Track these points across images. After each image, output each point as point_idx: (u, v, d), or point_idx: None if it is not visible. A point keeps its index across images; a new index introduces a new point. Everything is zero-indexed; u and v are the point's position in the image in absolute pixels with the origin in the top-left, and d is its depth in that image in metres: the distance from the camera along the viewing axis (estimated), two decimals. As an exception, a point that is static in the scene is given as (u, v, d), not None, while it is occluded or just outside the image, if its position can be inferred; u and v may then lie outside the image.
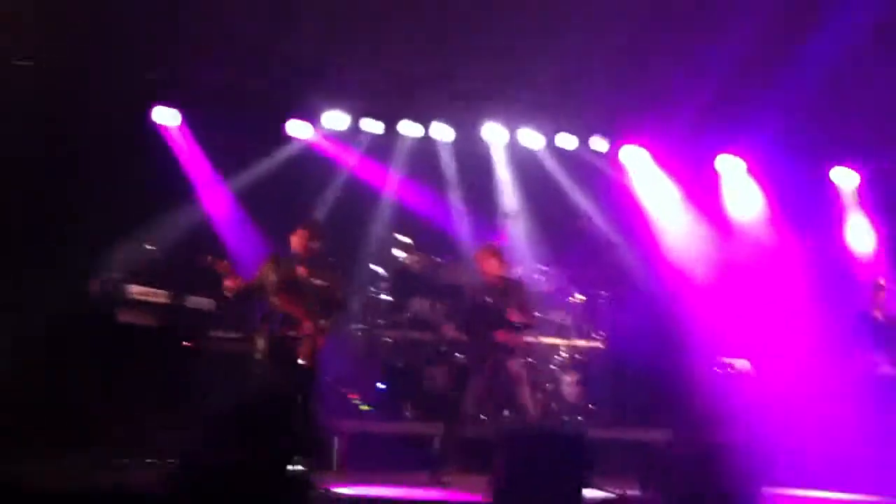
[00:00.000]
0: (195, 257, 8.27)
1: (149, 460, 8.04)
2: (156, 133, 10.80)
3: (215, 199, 11.03)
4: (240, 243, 10.64)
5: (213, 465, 6.32)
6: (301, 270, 8.39)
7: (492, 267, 9.01)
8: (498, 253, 9.13)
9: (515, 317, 8.77)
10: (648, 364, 10.64)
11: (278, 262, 8.43)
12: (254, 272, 8.44)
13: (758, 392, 9.98)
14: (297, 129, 11.32)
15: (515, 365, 8.81)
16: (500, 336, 8.74)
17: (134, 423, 8.46)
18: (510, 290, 9.03)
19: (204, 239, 10.32)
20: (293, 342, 8.22)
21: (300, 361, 8.19)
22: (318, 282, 8.38)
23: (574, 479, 7.01)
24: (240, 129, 10.81)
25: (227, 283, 8.16)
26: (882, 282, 9.71)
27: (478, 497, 7.35)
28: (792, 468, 8.65)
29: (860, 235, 11.76)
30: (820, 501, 8.28)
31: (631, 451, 8.92)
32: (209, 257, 8.17)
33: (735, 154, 11.73)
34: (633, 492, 7.79)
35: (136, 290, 9.21)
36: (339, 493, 7.64)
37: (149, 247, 9.59)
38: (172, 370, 9.09)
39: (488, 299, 8.92)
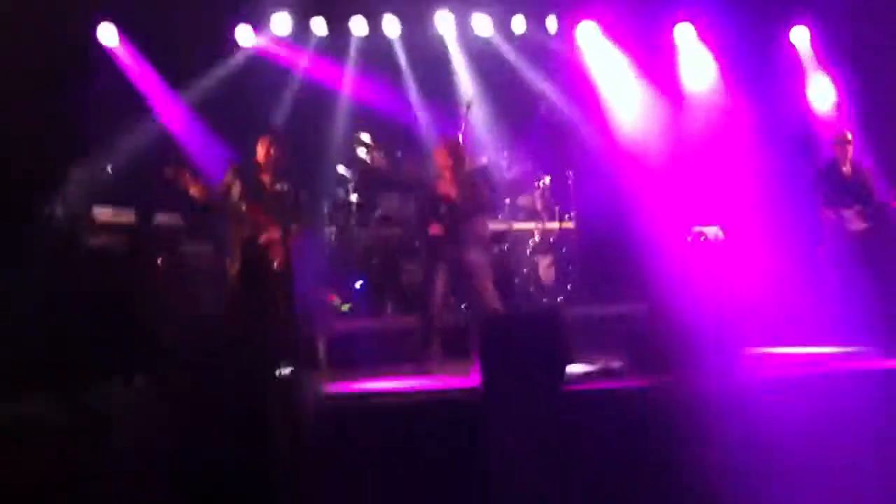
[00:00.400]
0: (156, 171, 8.14)
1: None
2: (101, 52, 10.53)
3: (171, 112, 10.82)
4: (202, 152, 10.47)
5: (202, 380, 6.34)
6: (265, 178, 8.33)
7: (448, 162, 8.80)
8: (455, 147, 8.90)
9: (448, 189, 8.53)
10: (620, 239, 10.68)
11: (241, 171, 8.35)
12: (218, 183, 8.34)
13: (730, 257, 10.06)
14: (246, 35, 11.09)
15: (475, 257, 8.65)
16: (433, 229, 8.64)
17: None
18: (473, 182, 8.87)
19: (165, 153, 10.11)
20: (265, 249, 8.19)
21: (274, 268, 8.18)
22: (282, 188, 8.33)
23: (558, 356, 7.06)
24: (187, 41, 10.57)
25: (192, 192, 8.05)
26: (848, 136, 9.70)
27: (466, 381, 7.42)
28: (766, 328, 8.76)
29: (821, 93, 11.74)
30: (794, 357, 8.41)
31: (611, 325, 9.00)
32: (170, 168, 8.04)
33: (687, 20, 11.63)
34: (615, 363, 7.91)
35: (100, 212, 9.06)
36: (330, 393, 7.69)
37: (108, 167, 9.43)
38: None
39: (437, 192, 8.71)
